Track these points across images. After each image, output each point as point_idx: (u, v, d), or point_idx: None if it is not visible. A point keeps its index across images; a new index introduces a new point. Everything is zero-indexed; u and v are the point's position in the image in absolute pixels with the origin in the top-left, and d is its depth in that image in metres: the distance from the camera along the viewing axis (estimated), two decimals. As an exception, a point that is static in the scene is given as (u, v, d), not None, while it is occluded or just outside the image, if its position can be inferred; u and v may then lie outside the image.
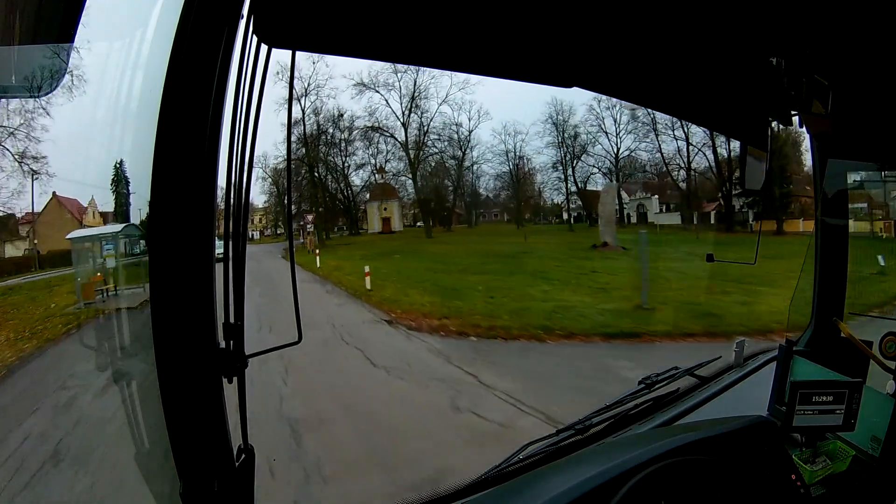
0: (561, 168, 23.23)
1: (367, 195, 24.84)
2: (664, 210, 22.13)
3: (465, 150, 24.24)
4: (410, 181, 24.46)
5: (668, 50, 1.18)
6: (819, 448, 1.53)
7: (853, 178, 1.95)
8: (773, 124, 1.54)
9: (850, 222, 1.94)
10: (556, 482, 1.26)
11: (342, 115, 23.44)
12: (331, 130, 23.86)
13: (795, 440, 1.55)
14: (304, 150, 23.08)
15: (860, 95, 1.61)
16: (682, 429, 1.62)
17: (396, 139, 24.02)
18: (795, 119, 1.61)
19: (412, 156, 24.17)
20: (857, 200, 2.02)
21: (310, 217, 22.53)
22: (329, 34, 0.85)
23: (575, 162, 23.13)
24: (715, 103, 1.33)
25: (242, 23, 0.80)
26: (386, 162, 24.22)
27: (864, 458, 1.52)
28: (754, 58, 1.41)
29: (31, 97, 0.91)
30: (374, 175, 24.45)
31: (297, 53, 0.87)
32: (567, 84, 1.09)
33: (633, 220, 22.57)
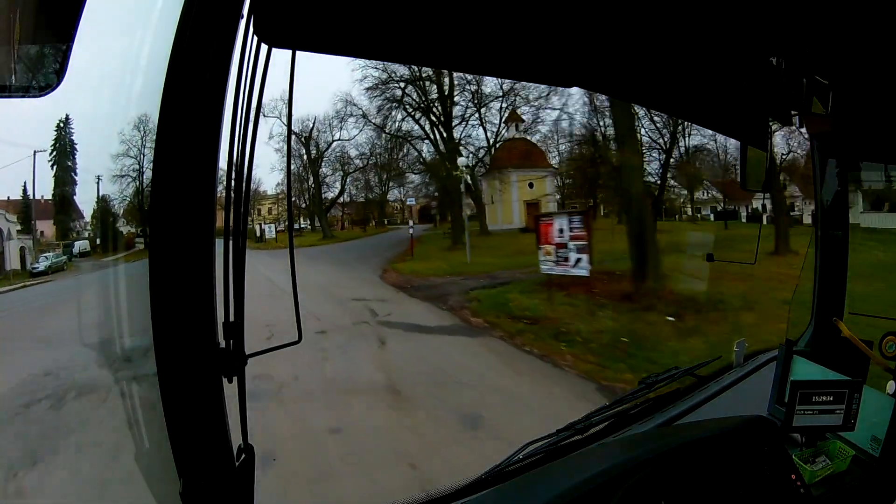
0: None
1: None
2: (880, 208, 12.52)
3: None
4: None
5: (668, 50, 1.18)
6: (819, 448, 1.53)
7: (853, 178, 1.95)
8: (773, 124, 1.54)
9: (850, 222, 1.94)
10: (556, 482, 1.26)
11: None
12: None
13: (795, 440, 1.55)
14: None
15: (860, 95, 1.61)
16: (681, 429, 1.62)
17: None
18: (795, 119, 1.61)
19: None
20: (857, 200, 2.01)
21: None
22: (329, 34, 0.85)
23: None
24: (715, 103, 1.33)
25: (242, 23, 0.81)
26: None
27: (864, 458, 1.52)
28: (754, 58, 1.41)
29: (31, 97, 0.91)
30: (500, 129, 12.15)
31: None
32: (567, 84, 1.09)
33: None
